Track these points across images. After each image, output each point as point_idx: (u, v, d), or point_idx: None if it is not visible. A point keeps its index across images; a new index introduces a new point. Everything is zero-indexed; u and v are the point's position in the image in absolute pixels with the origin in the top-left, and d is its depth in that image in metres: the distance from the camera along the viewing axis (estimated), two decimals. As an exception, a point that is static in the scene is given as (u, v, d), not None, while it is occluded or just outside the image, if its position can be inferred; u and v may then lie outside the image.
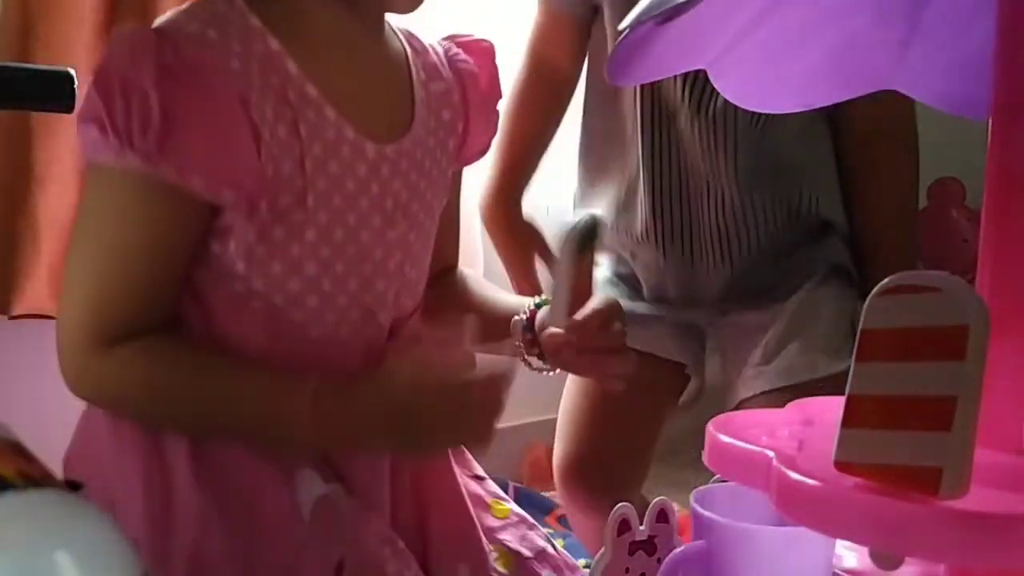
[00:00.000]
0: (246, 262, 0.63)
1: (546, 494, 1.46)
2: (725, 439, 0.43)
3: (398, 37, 0.72)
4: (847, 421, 0.37)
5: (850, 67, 0.53)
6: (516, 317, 0.75)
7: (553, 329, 0.73)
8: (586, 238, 0.74)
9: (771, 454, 0.39)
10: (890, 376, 0.36)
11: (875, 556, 0.36)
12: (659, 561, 0.51)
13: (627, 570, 0.51)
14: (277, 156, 0.61)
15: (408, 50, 0.72)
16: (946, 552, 0.34)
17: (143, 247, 0.61)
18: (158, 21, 0.64)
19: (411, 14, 0.68)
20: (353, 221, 0.65)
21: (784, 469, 0.38)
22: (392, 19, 0.72)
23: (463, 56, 0.76)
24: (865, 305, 0.38)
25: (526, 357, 0.75)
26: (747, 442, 0.43)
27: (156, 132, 0.57)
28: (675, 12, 0.45)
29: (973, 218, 2.16)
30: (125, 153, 0.58)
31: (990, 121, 0.42)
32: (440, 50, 0.75)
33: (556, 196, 1.51)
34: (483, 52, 0.77)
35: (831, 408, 0.41)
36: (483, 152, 0.80)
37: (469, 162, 0.80)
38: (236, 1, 0.63)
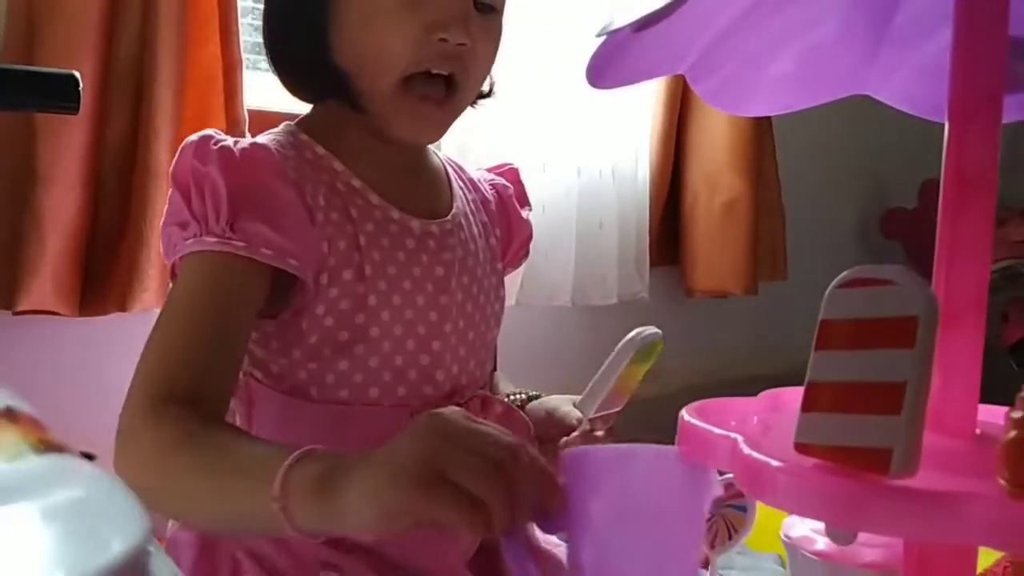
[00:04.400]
0: (319, 334, 0.71)
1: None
2: (696, 423, 0.46)
3: (437, 155, 0.84)
4: (806, 406, 0.40)
5: (821, 73, 0.56)
6: (510, 397, 0.83)
7: (563, 413, 0.79)
8: (648, 352, 0.77)
9: (737, 437, 0.42)
10: (846, 363, 0.39)
11: (831, 532, 0.39)
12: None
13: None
14: (332, 235, 0.71)
15: (445, 163, 0.84)
16: (895, 527, 0.37)
17: (209, 315, 0.67)
18: (216, 132, 0.72)
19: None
20: (409, 287, 0.73)
21: (747, 451, 0.40)
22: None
23: (495, 177, 0.90)
24: (824, 297, 0.40)
25: None
26: (718, 427, 0.46)
27: (227, 214, 0.66)
28: (651, 20, 0.47)
29: (963, 218, 2.19)
30: (203, 237, 0.66)
31: (946, 125, 0.44)
32: (476, 175, 0.89)
33: (552, 193, 1.54)
34: (511, 172, 0.92)
35: (800, 397, 0.43)
36: (521, 252, 0.92)
37: (514, 264, 0.91)
38: (290, 125, 0.76)
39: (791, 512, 0.40)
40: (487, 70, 0.77)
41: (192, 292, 0.68)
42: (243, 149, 0.69)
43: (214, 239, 0.66)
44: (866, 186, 2.25)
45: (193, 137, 0.70)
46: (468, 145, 1.42)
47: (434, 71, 0.70)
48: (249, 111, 1.16)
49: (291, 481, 0.52)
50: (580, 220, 1.56)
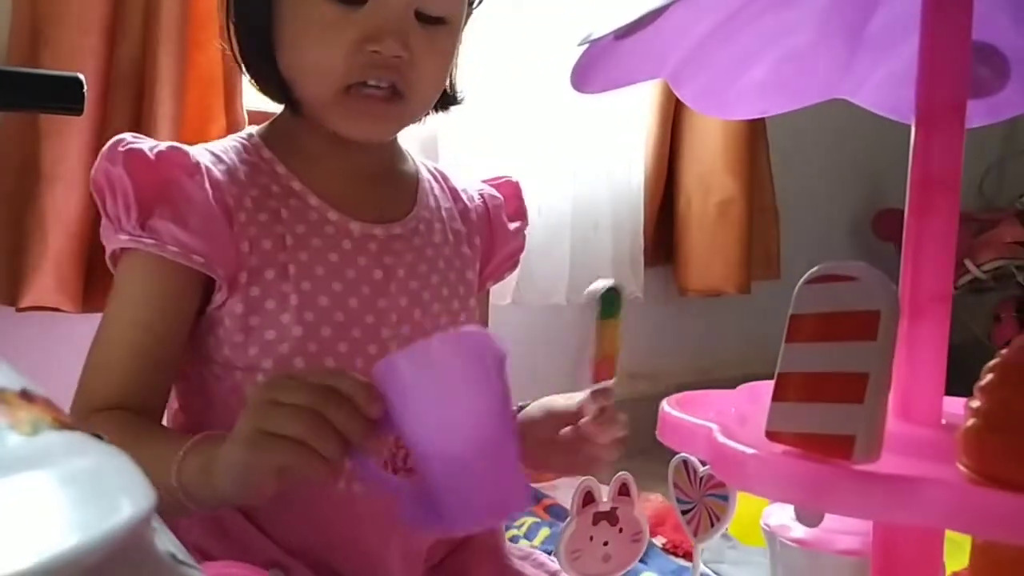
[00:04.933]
0: (244, 334, 0.71)
1: (535, 485, 1.51)
2: (675, 414, 0.48)
3: (415, 163, 0.84)
4: (776, 395, 0.42)
5: (798, 79, 0.58)
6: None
7: (561, 405, 0.75)
8: (609, 303, 0.77)
9: (712, 426, 0.44)
10: (813, 355, 0.41)
11: (799, 513, 0.41)
12: (621, 531, 0.56)
13: (591, 538, 0.55)
14: (255, 235, 0.72)
15: (425, 171, 0.84)
16: (858, 509, 0.39)
17: (137, 324, 0.71)
18: (132, 136, 0.74)
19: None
20: (340, 289, 0.73)
21: (721, 439, 0.42)
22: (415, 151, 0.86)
23: (487, 188, 0.89)
24: (794, 292, 0.42)
25: None
26: (697, 417, 0.48)
27: (136, 213, 0.69)
28: (633, 28, 0.49)
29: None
30: (118, 235, 0.69)
31: (912, 128, 0.46)
32: (465, 184, 0.88)
33: (547, 196, 1.56)
34: (508, 186, 0.91)
35: (775, 389, 0.45)
36: (507, 265, 0.90)
37: (495, 276, 0.90)
38: (248, 129, 0.79)
39: (761, 496, 0.42)
40: (437, 81, 0.76)
41: (122, 301, 0.72)
42: (158, 151, 0.70)
43: (126, 237, 0.69)
44: (859, 187, 2.27)
45: (109, 143, 0.71)
46: (465, 148, 1.44)
47: (371, 82, 0.71)
48: (249, 112, 1.18)
49: (184, 472, 0.60)
50: (575, 221, 1.58)
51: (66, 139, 1.05)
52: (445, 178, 0.87)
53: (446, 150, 1.42)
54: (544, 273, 1.55)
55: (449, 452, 0.54)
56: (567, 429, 0.70)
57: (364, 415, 0.54)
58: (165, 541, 0.31)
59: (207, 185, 0.71)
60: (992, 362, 0.38)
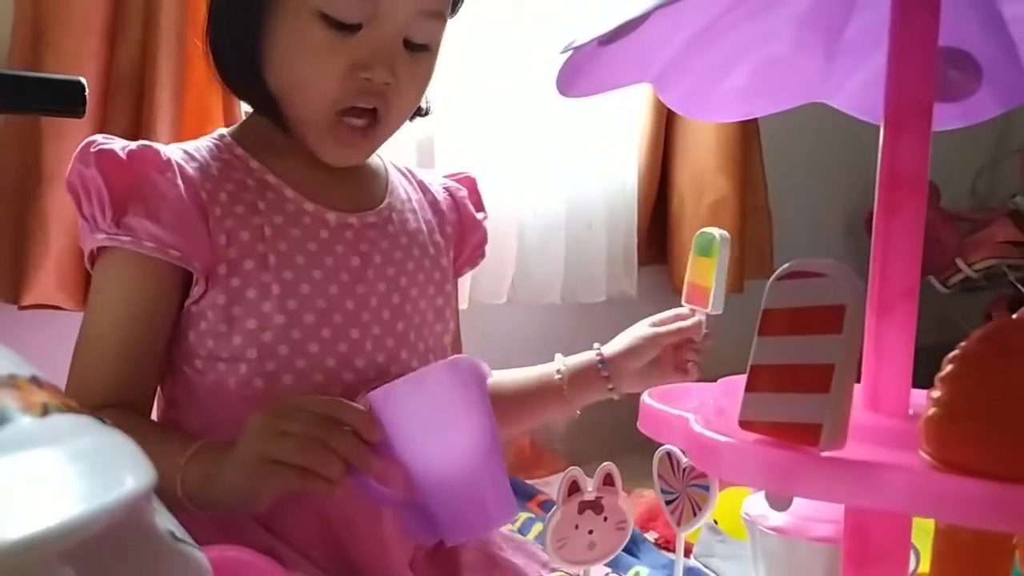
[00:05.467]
0: (227, 324, 0.73)
1: (529, 481, 1.53)
2: (655, 405, 0.50)
3: (380, 158, 0.88)
4: (749, 386, 0.44)
5: (778, 83, 0.60)
6: (593, 359, 0.93)
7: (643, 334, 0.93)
8: (706, 246, 0.93)
9: (689, 416, 0.46)
10: (783, 348, 0.43)
11: (769, 498, 0.43)
12: (605, 520, 0.58)
13: (576, 526, 0.57)
14: (232, 228, 0.74)
15: (389, 165, 0.88)
16: (824, 493, 0.41)
17: (121, 324, 0.73)
18: (103, 137, 0.76)
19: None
20: (320, 277, 0.76)
21: (697, 428, 0.44)
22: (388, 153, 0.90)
23: (450, 182, 0.94)
24: (767, 288, 0.44)
25: (610, 390, 0.93)
26: (675, 409, 0.50)
27: (111, 211, 0.71)
28: (616, 35, 0.51)
29: (946, 219, 2.23)
30: (95, 234, 0.72)
31: (881, 131, 0.48)
32: (429, 178, 0.93)
33: (542, 196, 1.58)
34: (468, 180, 0.96)
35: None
36: (476, 253, 0.96)
37: (470, 263, 0.96)
38: (221, 130, 0.81)
39: (734, 481, 0.44)
40: (413, 103, 0.80)
41: (104, 300, 0.74)
42: (129, 150, 0.73)
43: (103, 236, 0.71)
44: (851, 187, 2.29)
45: (81, 144, 0.74)
46: (461, 148, 1.46)
47: (359, 105, 0.74)
48: (246, 114, 1.20)
49: (187, 481, 0.65)
50: (570, 220, 1.60)
51: (67, 140, 1.06)
52: (412, 172, 0.91)
53: (442, 151, 1.44)
54: (539, 272, 1.56)
55: (443, 471, 0.60)
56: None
57: (365, 441, 0.61)
58: (164, 520, 0.33)
59: (179, 181, 0.73)
60: (952, 354, 0.40)
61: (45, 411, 0.26)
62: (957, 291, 2.20)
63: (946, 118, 0.60)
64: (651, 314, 1.12)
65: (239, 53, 0.75)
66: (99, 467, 0.23)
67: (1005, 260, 2.16)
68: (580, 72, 0.54)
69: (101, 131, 1.10)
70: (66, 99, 0.71)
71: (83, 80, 0.70)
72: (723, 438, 0.43)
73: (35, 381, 0.29)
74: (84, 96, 0.71)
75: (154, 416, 0.79)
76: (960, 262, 2.16)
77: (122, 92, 1.11)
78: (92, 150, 0.72)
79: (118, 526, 0.26)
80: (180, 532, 0.33)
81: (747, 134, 1.81)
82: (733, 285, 1.79)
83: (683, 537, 0.63)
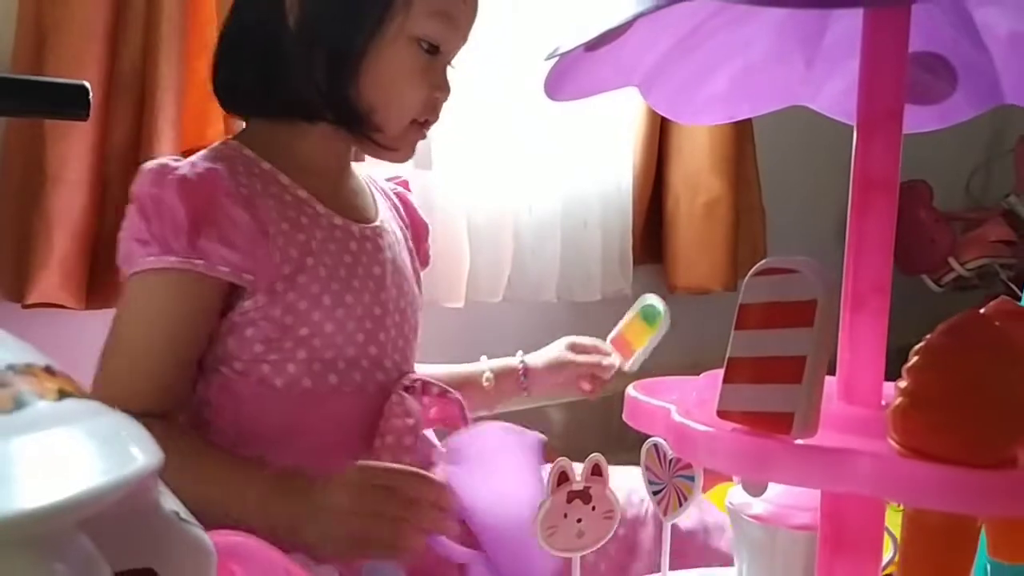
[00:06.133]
0: (280, 331, 0.79)
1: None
2: (639, 397, 0.52)
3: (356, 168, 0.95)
4: (726, 378, 0.46)
5: (760, 87, 0.62)
6: (517, 368, 1.05)
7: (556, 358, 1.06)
8: (648, 315, 1.06)
9: (670, 407, 0.48)
10: (758, 341, 0.45)
11: (745, 483, 0.45)
12: (593, 509, 0.60)
13: (565, 515, 0.59)
14: (283, 245, 0.79)
15: (364, 177, 0.95)
16: (796, 478, 0.43)
17: (172, 334, 0.77)
18: (172, 160, 0.81)
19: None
20: (357, 285, 0.82)
21: (677, 418, 0.46)
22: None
23: (395, 186, 1.01)
24: (743, 284, 0.46)
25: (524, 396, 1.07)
26: (658, 400, 0.52)
27: (186, 236, 0.74)
28: (601, 41, 0.53)
29: (940, 219, 2.25)
30: (164, 256, 0.74)
31: (855, 134, 0.50)
32: (385, 185, 1.00)
33: (538, 195, 1.60)
34: (405, 183, 1.04)
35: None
36: (426, 250, 1.03)
37: (425, 262, 1.02)
38: (231, 142, 0.84)
39: (711, 467, 0.46)
40: None
41: (153, 312, 0.77)
42: (199, 173, 0.76)
43: (175, 258, 0.74)
44: (845, 187, 2.31)
45: (151, 164, 0.78)
46: (457, 147, 1.48)
47: (429, 119, 0.86)
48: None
49: (269, 517, 0.70)
50: (565, 220, 1.62)
51: (70, 142, 1.08)
52: (373, 179, 0.98)
53: (438, 150, 1.46)
54: (534, 271, 1.58)
55: (506, 526, 0.70)
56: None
57: (443, 510, 0.70)
58: (169, 501, 0.35)
59: (243, 204, 0.77)
60: (917, 346, 0.42)
61: (60, 396, 0.28)
62: (950, 290, 2.22)
63: (922, 120, 0.62)
64: (645, 312, 1.16)
65: (340, 66, 0.81)
66: (112, 445, 0.25)
67: (997, 259, 2.19)
68: (567, 77, 0.56)
69: (103, 133, 1.12)
70: (71, 103, 0.73)
71: (87, 84, 0.72)
72: (701, 427, 0.45)
73: (49, 370, 0.31)
74: (88, 100, 0.73)
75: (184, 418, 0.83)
76: (953, 261, 2.18)
77: (124, 94, 1.13)
78: (169, 176, 0.76)
79: (126, 504, 0.28)
80: (184, 513, 0.35)
81: (741, 134, 1.83)
82: (727, 284, 1.82)
83: (669, 525, 0.65)
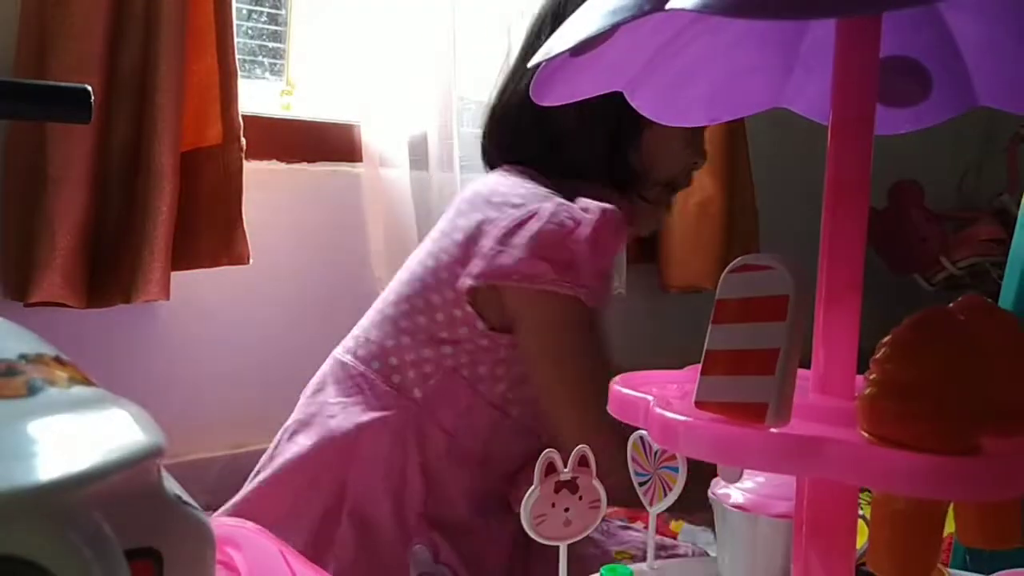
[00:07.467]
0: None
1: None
2: (621, 390, 0.54)
3: None
4: (704, 370, 0.48)
5: (743, 90, 0.64)
6: None
7: None
8: None
9: (650, 398, 0.50)
10: (734, 335, 0.47)
11: (722, 471, 0.47)
12: (580, 498, 0.62)
13: (553, 504, 0.61)
14: None
15: None
16: (769, 465, 0.45)
17: (596, 349, 1.01)
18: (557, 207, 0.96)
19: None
20: None
21: (656, 408, 0.48)
22: None
23: None
24: (720, 280, 0.48)
25: None
26: (639, 392, 0.54)
27: (588, 278, 0.92)
28: (585, 47, 0.55)
29: (932, 218, 2.27)
30: (577, 288, 0.92)
31: (828, 136, 0.52)
32: None
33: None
34: None
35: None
36: None
37: None
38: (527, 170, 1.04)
39: (689, 455, 0.48)
40: None
41: (577, 331, 0.98)
42: (620, 221, 0.93)
43: (584, 290, 0.92)
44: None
45: (610, 211, 0.92)
46: (454, 146, 1.49)
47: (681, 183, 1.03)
48: (243, 116, 1.24)
49: None
50: (560, 219, 1.64)
51: (72, 144, 1.10)
52: None
53: (436, 149, 1.48)
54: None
55: None
56: None
57: None
58: (172, 485, 0.37)
59: None
60: (885, 339, 0.44)
61: (69, 384, 0.30)
62: (941, 288, 2.25)
63: (897, 122, 0.64)
64: (640, 311, 1.20)
65: (621, 138, 0.97)
66: (120, 426, 0.27)
67: (988, 258, 2.21)
68: (555, 80, 0.58)
69: (104, 134, 1.14)
70: (74, 106, 0.75)
71: (89, 88, 0.74)
72: (680, 417, 0.47)
73: (58, 360, 0.33)
74: (90, 103, 0.75)
75: (439, 430, 0.99)
76: (944, 260, 2.21)
77: (124, 97, 1.15)
78: (618, 226, 0.92)
79: (131, 484, 0.30)
80: (186, 497, 0.37)
81: (734, 134, 1.86)
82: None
83: (655, 515, 0.67)
